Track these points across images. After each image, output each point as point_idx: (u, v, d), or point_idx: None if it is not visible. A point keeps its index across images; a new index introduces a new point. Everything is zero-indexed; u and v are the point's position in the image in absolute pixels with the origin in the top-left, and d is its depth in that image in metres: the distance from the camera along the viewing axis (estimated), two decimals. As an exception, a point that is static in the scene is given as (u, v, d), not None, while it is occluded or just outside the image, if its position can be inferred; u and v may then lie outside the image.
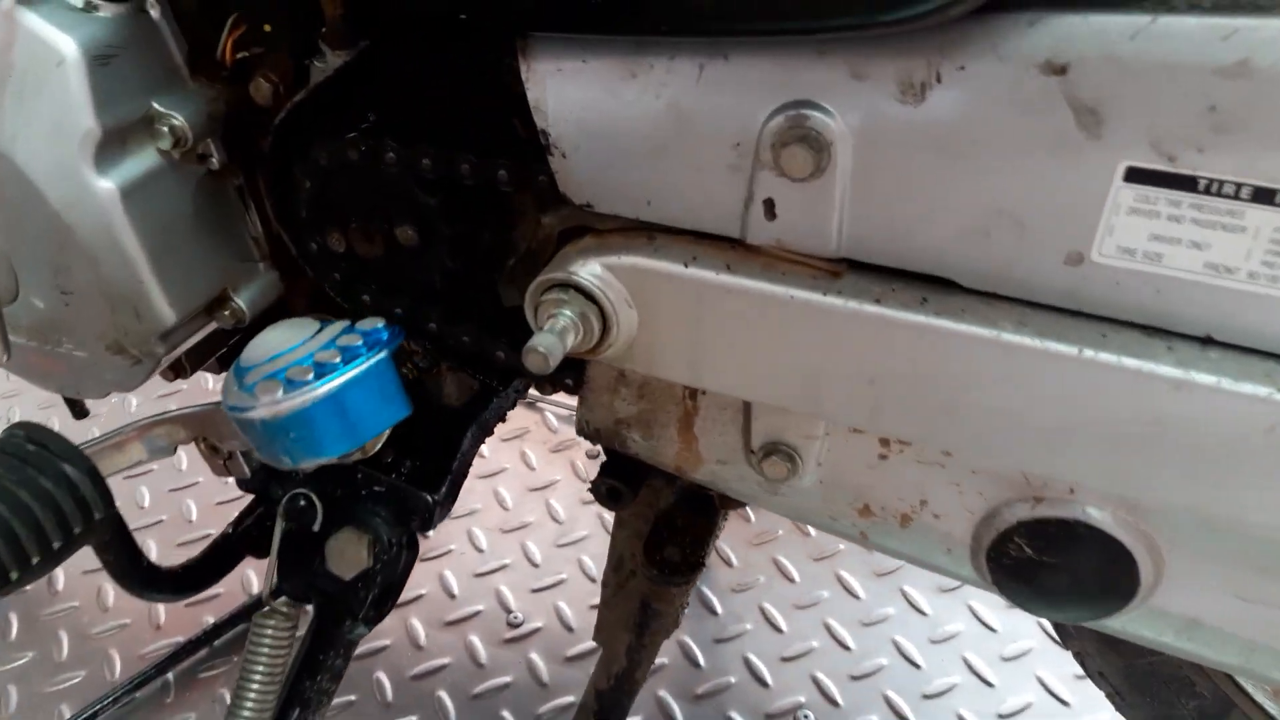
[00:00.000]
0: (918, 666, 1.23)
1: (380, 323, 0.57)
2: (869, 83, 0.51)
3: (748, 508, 1.42)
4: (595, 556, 1.38)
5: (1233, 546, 0.58)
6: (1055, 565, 0.61)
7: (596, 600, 0.97)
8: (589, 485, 0.83)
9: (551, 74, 0.57)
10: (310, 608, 0.81)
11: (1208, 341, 0.51)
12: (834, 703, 1.19)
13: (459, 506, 1.47)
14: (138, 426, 0.76)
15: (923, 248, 0.54)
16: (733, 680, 1.22)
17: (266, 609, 0.78)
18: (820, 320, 0.56)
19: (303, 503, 0.76)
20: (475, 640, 1.28)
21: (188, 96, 0.70)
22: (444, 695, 1.22)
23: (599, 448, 0.80)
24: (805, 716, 1.17)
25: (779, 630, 1.28)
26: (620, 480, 0.82)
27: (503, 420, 1.01)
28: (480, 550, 1.40)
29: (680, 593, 0.93)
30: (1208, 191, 0.47)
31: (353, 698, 1.22)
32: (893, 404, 0.57)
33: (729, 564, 1.38)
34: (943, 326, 0.53)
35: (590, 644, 1.20)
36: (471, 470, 1.52)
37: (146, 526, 1.46)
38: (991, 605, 1.28)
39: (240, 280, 0.78)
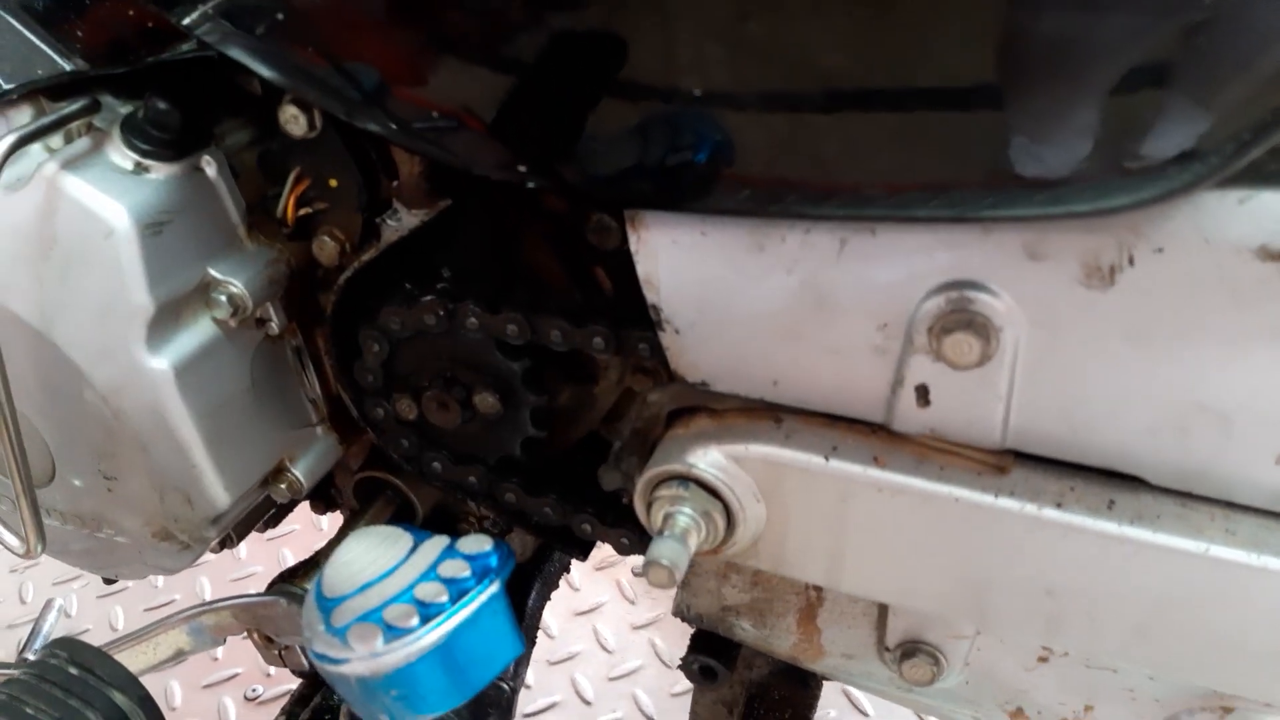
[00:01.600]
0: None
1: (488, 543, 0.50)
2: (1047, 264, 0.44)
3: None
4: (651, 691, 1.29)
5: None
6: (1247, 783, 0.53)
7: (659, 746, 0.88)
8: (679, 663, 0.75)
9: (665, 247, 0.51)
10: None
11: None
12: None
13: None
14: (184, 615, 0.68)
15: (1106, 443, 0.47)
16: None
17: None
18: (989, 524, 0.49)
19: (368, 698, 0.67)
20: (528, 790, 1.18)
21: (245, 259, 0.63)
22: None
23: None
24: None
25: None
26: (714, 656, 0.74)
27: (567, 570, 0.94)
28: (527, 686, 1.31)
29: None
30: None
31: None
32: (1076, 620, 0.49)
33: (795, 696, 1.28)
34: (1139, 537, 0.46)
35: (654, 796, 1.10)
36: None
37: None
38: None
39: (298, 449, 0.71)
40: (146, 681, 0.75)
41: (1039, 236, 0.44)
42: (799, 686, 0.79)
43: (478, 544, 0.50)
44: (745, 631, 0.66)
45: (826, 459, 0.51)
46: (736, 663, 0.76)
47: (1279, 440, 0.44)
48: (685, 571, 0.50)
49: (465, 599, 0.47)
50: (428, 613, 0.46)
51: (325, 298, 0.68)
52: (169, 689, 1.32)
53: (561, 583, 1.47)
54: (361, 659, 0.45)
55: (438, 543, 0.51)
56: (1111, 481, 0.48)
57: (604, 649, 1.36)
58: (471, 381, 0.64)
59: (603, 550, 1.58)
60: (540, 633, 1.40)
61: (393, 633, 0.46)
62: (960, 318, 0.46)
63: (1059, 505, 0.48)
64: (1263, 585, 0.45)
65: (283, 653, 0.70)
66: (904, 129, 0.43)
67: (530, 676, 1.32)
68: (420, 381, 0.65)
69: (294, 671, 0.72)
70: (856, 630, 0.61)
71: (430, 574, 0.49)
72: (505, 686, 0.71)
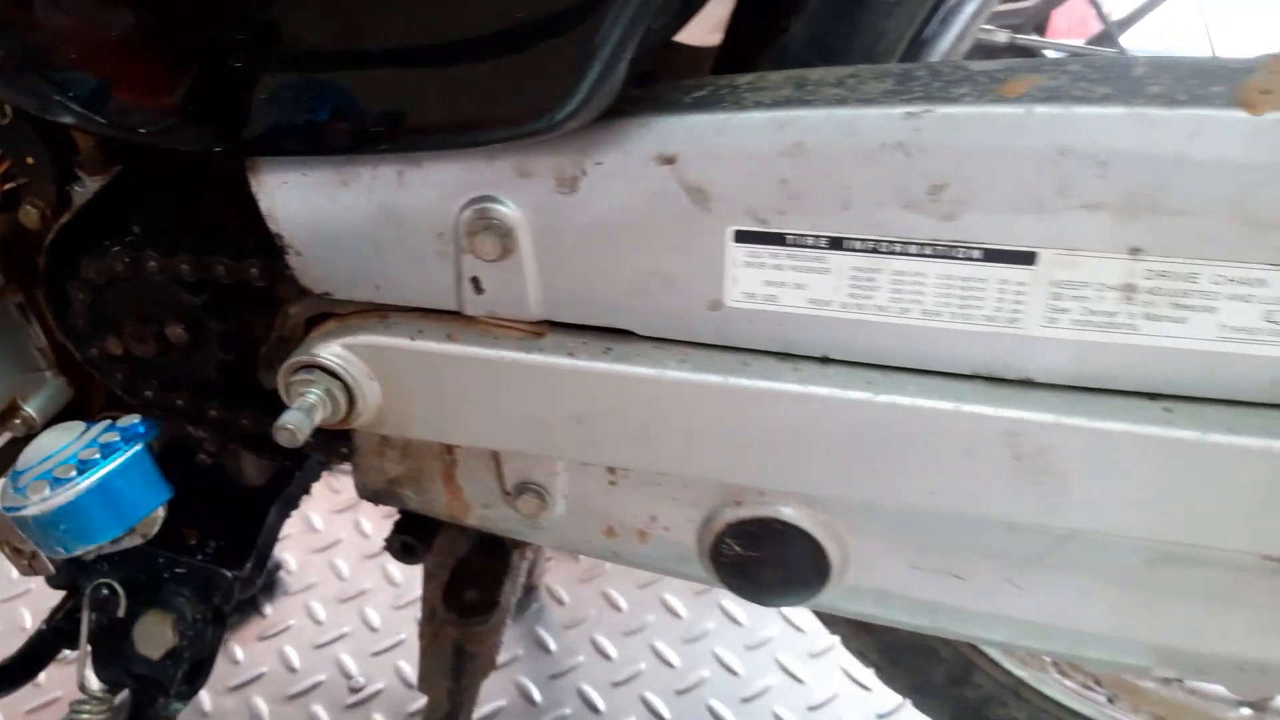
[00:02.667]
0: (736, 674, 1.34)
1: (137, 419, 0.65)
2: (533, 179, 0.62)
3: (576, 549, 1.51)
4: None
5: (896, 525, 0.70)
6: (762, 559, 0.73)
7: (437, 657, 1.04)
8: (384, 543, 0.90)
9: (278, 186, 0.67)
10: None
11: (827, 360, 0.64)
12: (661, 718, 1.29)
13: (296, 582, 1.52)
14: (-67, 539, 0.80)
15: (601, 306, 0.66)
16: (567, 712, 1.30)
17: (82, 698, 0.82)
18: (530, 375, 0.67)
19: (106, 591, 0.81)
20: (319, 709, 1.32)
21: (-42, 228, 0.76)
22: (292, 767, 1.26)
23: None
24: (638, 736, 1.26)
25: (609, 658, 1.37)
26: (412, 535, 0.90)
27: (307, 493, 1.08)
28: (319, 622, 1.45)
29: (489, 632, 1.01)
30: (796, 244, 0.60)
31: (201, 783, 1.24)
32: (600, 438, 0.68)
33: (561, 603, 1.46)
34: (622, 370, 0.65)
35: (431, 697, 1.26)
36: (307, 545, 1.58)
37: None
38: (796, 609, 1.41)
39: (29, 390, 0.83)
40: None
41: (525, 160, 0.62)
42: (492, 558, 0.96)
43: (129, 420, 0.65)
44: (411, 499, 0.82)
45: (413, 340, 0.68)
46: (434, 541, 0.93)
47: (704, 292, 0.63)
48: (307, 435, 0.66)
49: (113, 455, 0.62)
50: (84, 466, 0.62)
51: (40, 260, 0.80)
52: None
53: (354, 531, 1.62)
54: (34, 504, 0.60)
55: (101, 425, 0.66)
56: (614, 336, 0.66)
57: (392, 584, 1.50)
58: (162, 316, 0.78)
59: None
60: (333, 576, 1.54)
61: (58, 483, 0.61)
62: (484, 223, 0.63)
63: (571, 355, 0.66)
64: (703, 394, 0.64)
65: (31, 561, 0.83)
66: (404, 86, 0.60)
67: (321, 613, 1.46)
68: (121, 321, 0.79)
69: (48, 580, 0.85)
70: (485, 482, 0.78)
71: (92, 443, 0.63)
72: (228, 574, 0.85)
